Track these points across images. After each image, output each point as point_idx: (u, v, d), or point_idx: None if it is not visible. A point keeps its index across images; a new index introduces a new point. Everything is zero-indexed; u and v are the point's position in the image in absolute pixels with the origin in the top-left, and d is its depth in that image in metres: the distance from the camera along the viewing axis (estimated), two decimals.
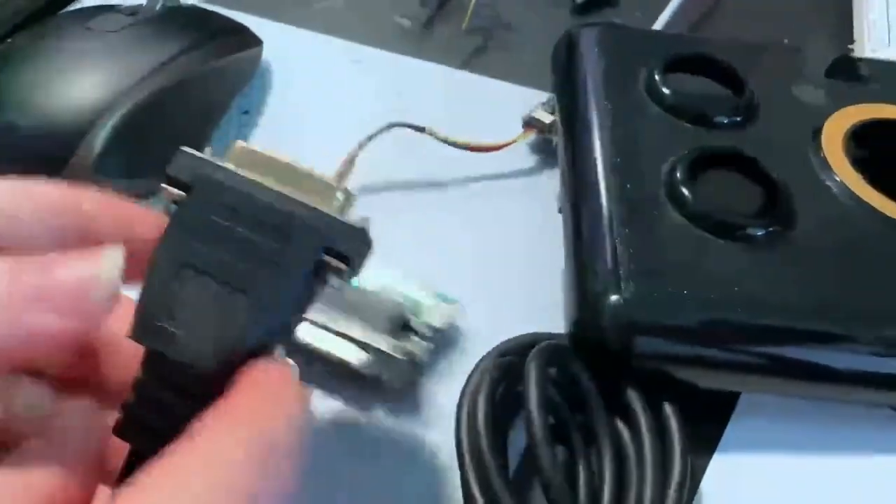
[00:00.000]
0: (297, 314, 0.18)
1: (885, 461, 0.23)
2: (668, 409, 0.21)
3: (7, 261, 0.16)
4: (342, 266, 0.17)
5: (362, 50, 0.35)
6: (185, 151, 0.17)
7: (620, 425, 0.22)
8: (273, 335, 0.16)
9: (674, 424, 0.21)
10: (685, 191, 0.24)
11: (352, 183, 0.28)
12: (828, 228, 0.25)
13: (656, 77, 0.28)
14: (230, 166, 0.17)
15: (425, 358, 0.24)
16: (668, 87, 0.27)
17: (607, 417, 0.22)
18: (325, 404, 0.24)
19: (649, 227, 0.24)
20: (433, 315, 0.24)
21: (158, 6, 0.30)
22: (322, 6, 0.37)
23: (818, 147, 0.26)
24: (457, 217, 0.29)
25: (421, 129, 0.29)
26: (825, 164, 0.26)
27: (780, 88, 0.29)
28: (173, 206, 0.17)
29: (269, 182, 0.17)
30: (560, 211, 0.26)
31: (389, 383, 0.23)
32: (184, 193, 0.17)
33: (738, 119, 0.27)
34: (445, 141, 0.29)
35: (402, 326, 0.24)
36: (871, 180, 0.26)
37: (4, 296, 0.15)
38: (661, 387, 0.22)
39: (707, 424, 0.23)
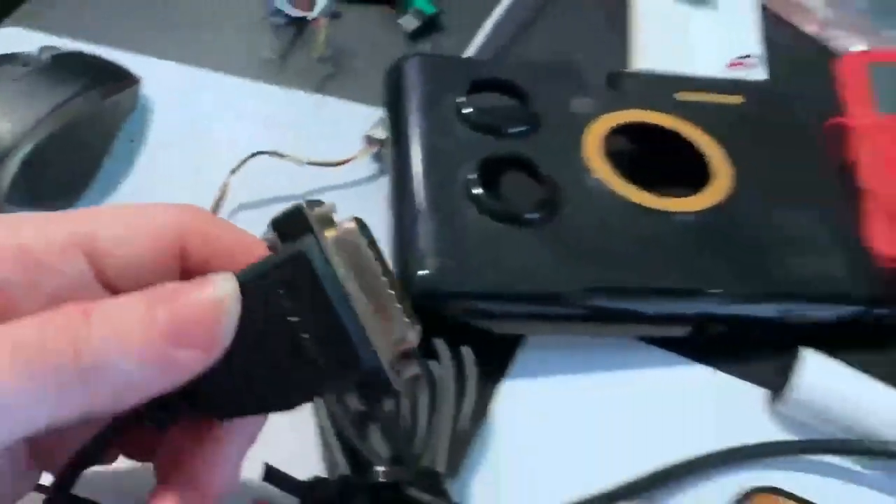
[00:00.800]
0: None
1: (635, 376, 0.31)
2: (464, 351, 0.29)
3: (139, 297, 0.18)
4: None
5: (230, 80, 0.41)
6: (301, 210, 0.19)
7: (433, 365, 0.29)
8: None
9: (469, 362, 0.29)
10: (476, 189, 0.32)
11: (227, 205, 0.35)
12: (586, 213, 0.33)
13: (460, 98, 0.35)
14: (331, 252, 0.18)
15: None
16: (469, 106, 0.35)
17: (423, 361, 0.29)
18: None
19: (450, 218, 0.31)
20: None
21: (48, 56, 0.36)
22: (194, 42, 0.43)
23: (581, 148, 0.35)
24: None
25: (280, 155, 0.36)
26: (585, 162, 0.34)
27: (559, 101, 0.37)
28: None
29: (353, 284, 0.18)
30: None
31: None
32: (279, 243, 0.19)
33: (525, 129, 0.35)
34: (301, 161, 0.36)
35: None
36: (623, 173, 0.34)
37: (145, 336, 0.17)
38: (463, 333, 0.30)
39: (498, 358, 0.31)
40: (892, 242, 0.34)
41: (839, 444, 0.28)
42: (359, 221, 0.19)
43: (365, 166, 0.38)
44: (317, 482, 0.25)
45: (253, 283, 0.18)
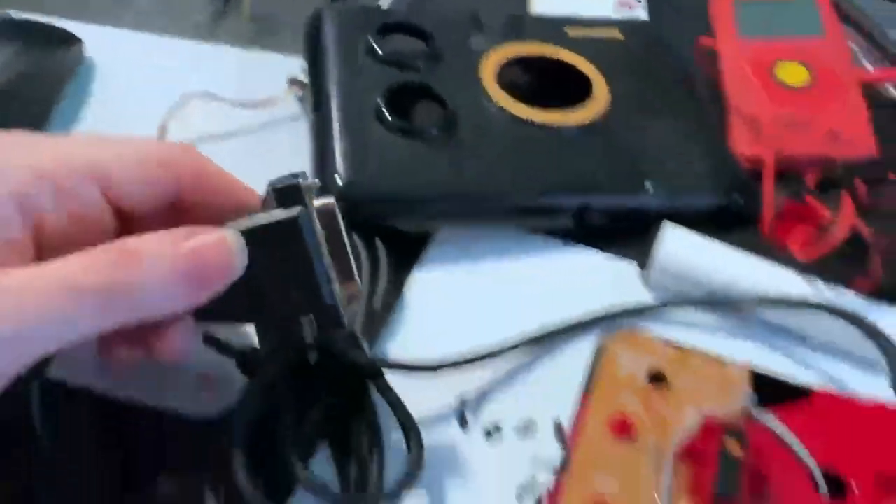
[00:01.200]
0: None
1: (528, 261, 0.36)
2: (378, 242, 0.34)
3: (168, 241, 0.22)
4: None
5: (167, 41, 0.45)
6: (298, 184, 0.24)
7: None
8: None
9: (381, 252, 0.34)
10: (383, 111, 0.37)
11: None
12: (482, 127, 0.38)
13: (371, 40, 0.40)
14: (316, 221, 0.24)
15: None
16: (379, 46, 0.40)
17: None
18: None
19: (361, 137, 0.36)
20: None
21: None
22: (132, 9, 0.47)
23: (479, 75, 0.40)
24: (251, 151, 0.40)
25: (213, 97, 0.40)
26: (483, 86, 0.39)
27: (459, 40, 0.42)
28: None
29: (325, 249, 0.24)
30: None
31: None
32: (275, 203, 0.24)
33: (428, 62, 0.40)
34: (232, 102, 0.41)
35: None
36: (515, 96, 0.39)
37: (170, 270, 0.22)
38: (380, 233, 0.35)
39: (413, 251, 0.36)
40: (748, 144, 0.40)
41: (690, 300, 0.34)
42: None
43: (290, 107, 0.42)
44: (252, 348, 0.30)
45: (253, 233, 0.24)
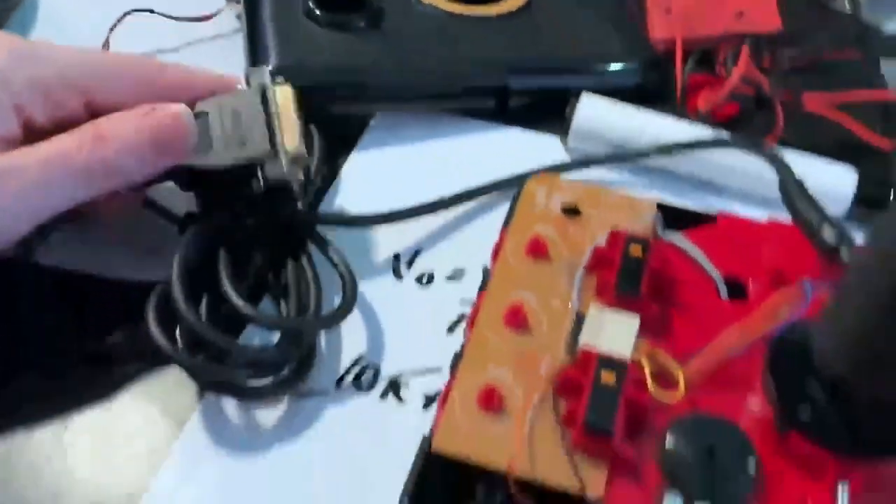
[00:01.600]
0: None
1: (459, 140, 0.39)
2: (312, 128, 0.36)
3: (131, 119, 0.27)
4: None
5: None
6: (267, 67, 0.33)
7: None
8: None
9: (314, 134, 0.36)
10: (313, 8, 0.39)
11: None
12: (408, 19, 0.40)
13: None
14: (278, 96, 0.31)
15: None
16: None
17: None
18: None
19: (294, 33, 0.38)
20: None
21: None
22: None
23: None
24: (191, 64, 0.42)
25: (150, 11, 0.42)
26: None
27: None
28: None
29: (278, 114, 0.30)
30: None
31: None
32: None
33: None
34: (172, 17, 0.42)
35: None
36: None
37: (135, 140, 0.27)
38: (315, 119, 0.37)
39: (351, 135, 0.38)
40: (661, 29, 0.42)
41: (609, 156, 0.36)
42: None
43: (229, 23, 0.44)
44: (191, 212, 0.32)
45: (220, 102, 0.30)
